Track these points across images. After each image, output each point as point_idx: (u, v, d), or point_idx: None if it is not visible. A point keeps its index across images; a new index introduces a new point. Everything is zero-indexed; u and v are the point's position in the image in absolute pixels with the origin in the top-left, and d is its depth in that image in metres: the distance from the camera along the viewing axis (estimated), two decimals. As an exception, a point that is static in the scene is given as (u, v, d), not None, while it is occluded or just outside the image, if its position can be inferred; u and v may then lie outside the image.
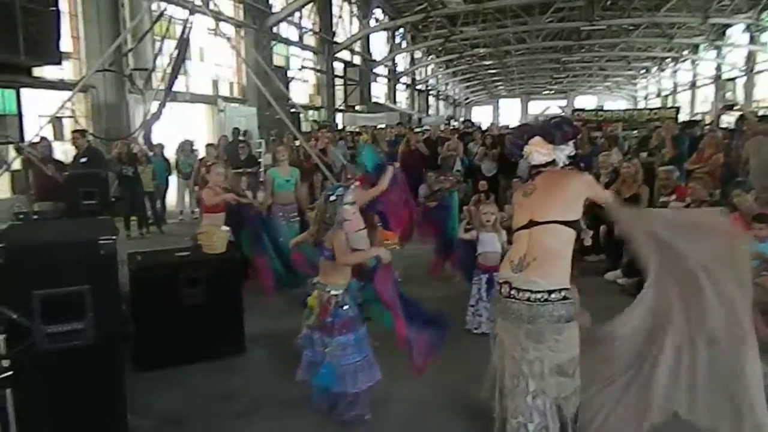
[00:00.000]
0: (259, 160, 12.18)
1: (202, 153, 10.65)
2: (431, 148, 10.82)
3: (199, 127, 16.44)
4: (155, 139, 10.60)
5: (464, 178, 9.98)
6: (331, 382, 3.23)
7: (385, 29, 29.19)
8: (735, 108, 21.20)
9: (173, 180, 11.12)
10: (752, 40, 27.38)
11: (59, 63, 10.32)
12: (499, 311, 2.66)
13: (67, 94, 8.75)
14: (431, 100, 44.84)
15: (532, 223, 2.56)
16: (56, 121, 10.72)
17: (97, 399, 3.02)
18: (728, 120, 16.92)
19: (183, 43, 8.42)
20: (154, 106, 10.16)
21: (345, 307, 3.23)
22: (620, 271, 6.20)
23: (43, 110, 10.13)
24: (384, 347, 3.50)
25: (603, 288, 6.02)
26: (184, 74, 15.17)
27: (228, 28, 13.61)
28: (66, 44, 11.13)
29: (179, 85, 13.45)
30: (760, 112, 15.16)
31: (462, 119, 36.14)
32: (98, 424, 3.06)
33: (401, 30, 30.99)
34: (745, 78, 28.89)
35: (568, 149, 2.64)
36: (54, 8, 9.67)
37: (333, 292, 3.23)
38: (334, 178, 7.59)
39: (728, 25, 28.35)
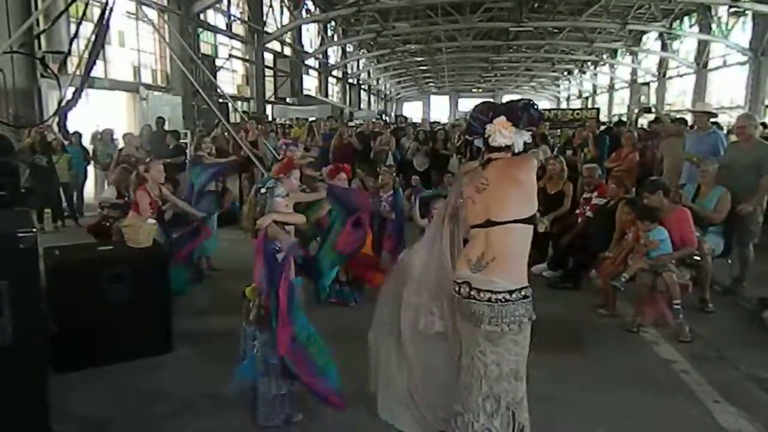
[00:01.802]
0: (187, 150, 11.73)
1: (121, 143, 10.16)
2: (364, 143, 10.83)
3: (119, 115, 15.67)
4: (71, 128, 9.99)
5: (396, 173, 10.05)
6: (250, 374, 3.14)
7: (316, 21, 28.84)
8: (652, 111, 22.52)
9: (91, 170, 10.54)
10: (664, 48, 29.21)
11: (-39, 43, 9.55)
12: (458, 312, 2.62)
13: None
14: (363, 94, 44.87)
15: (489, 223, 2.49)
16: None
17: (16, 405, 2.81)
18: (643, 122, 17.96)
19: (102, 27, 7.97)
20: (69, 92, 9.57)
21: None
22: (546, 265, 6.44)
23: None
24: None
25: (529, 280, 6.18)
26: (103, 60, 14.41)
27: (151, 13, 12.99)
28: (-31, 23, 10.33)
29: (97, 71, 12.76)
30: (673, 115, 16.21)
31: (394, 114, 36.45)
32: (18, 432, 2.84)
33: (333, 23, 30.75)
34: (657, 83, 30.83)
35: (527, 136, 2.55)
36: (-45, -17, 8.94)
37: None
38: (266, 170, 7.46)
39: (644, 32, 30.10)
